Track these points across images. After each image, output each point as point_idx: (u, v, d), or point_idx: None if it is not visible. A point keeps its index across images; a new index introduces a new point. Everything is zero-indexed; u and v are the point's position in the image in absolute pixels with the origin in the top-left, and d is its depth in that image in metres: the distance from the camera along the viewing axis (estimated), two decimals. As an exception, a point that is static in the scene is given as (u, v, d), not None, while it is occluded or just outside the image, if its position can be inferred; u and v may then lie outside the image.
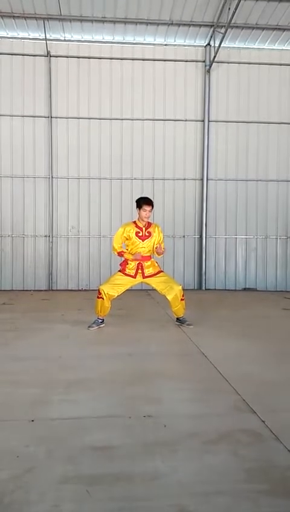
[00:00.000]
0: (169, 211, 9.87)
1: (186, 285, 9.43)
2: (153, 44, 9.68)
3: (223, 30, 8.61)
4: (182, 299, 5.17)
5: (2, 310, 6.81)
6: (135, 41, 9.59)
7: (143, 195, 5.63)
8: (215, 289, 9.95)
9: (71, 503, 1.71)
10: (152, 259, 5.27)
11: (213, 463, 2.02)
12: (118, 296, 5.12)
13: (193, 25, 9.14)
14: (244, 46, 9.79)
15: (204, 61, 9.77)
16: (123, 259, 5.27)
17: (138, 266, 5.13)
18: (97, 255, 9.80)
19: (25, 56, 9.50)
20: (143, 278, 5.16)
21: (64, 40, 9.52)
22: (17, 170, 9.63)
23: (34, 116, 9.58)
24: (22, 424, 2.44)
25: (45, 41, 9.29)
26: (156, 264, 5.30)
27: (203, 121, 9.84)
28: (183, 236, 10.00)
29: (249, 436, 2.29)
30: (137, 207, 5.16)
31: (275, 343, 4.55)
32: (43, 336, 4.78)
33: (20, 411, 2.63)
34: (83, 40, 9.52)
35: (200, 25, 9.17)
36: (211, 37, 9.45)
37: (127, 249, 5.20)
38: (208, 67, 9.68)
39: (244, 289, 10.01)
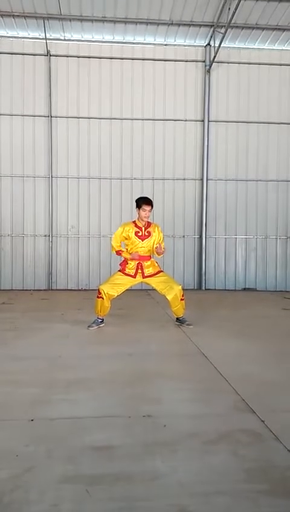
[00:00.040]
0: (169, 211, 9.87)
1: (186, 285, 9.42)
2: (153, 44, 9.68)
3: (223, 30, 8.61)
4: (181, 299, 5.17)
5: (1, 310, 6.80)
6: (135, 41, 9.59)
7: (143, 195, 5.63)
8: (215, 289, 9.95)
9: (71, 502, 1.71)
10: (152, 259, 5.27)
11: (213, 463, 2.01)
12: (117, 295, 5.12)
13: (193, 25, 9.14)
14: (244, 46, 9.79)
15: (204, 61, 9.77)
16: (123, 259, 5.28)
17: (137, 266, 5.13)
18: (97, 255, 9.80)
19: (24, 55, 9.50)
20: (143, 277, 5.16)
21: (64, 40, 9.52)
22: (17, 170, 9.62)
23: (34, 116, 9.58)
24: (22, 423, 2.44)
25: (44, 41, 9.28)
26: (156, 264, 5.30)
27: (203, 121, 9.84)
28: (183, 236, 10.00)
29: (249, 436, 2.29)
30: (137, 207, 5.16)
31: (275, 343, 4.55)
32: (43, 335, 4.78)
33: (20, 411, 2.62)
34: (83, 39, 9.52)
35: (200, 25, 9.17)
36: (211, 37, 9.45)
37: (127, 249, 5.21)
38: (208, 67, 9.68)
39: (244, 289, 10.01)
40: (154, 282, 5.17)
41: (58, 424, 2.44)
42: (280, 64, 9.93)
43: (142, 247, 5.13)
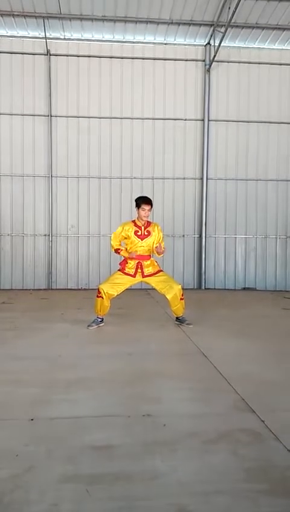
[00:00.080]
0: (169, 210, 9.87)
1: (185, 284, 9.43)
2: (153, 43, 9.67)
3: (223, 29, 8.60)
4: (181, 299, 5.17)
5: (1, 309, 6.80)
6: (135, 40, 9.58)
7: (142, 195, 5.64)
8: (214, 288, 9.95)
9: (71, 502, 1.71)
10: (152, 259, 5.27)
11: (213, 462, 2.02)
12: (117, 295, 5.12)
13: (193, 24, 9.13)
14: (245, 46, 9.78)
15: (204, 61, 9.76)
16: (123, 258, 5.28)
17: (137, 265, 5.14)
18: (97, 254, 9.80)
19: (24, 55, 9.48)
20: (143, 277, 5.16)
21: (64, 39, 9.50)
22: (17, 169, 9.61)
23: (34, 115, 9.57)
24: (22, 423, 2.44)
25: (44, 40, 9.27)
26: (156, 264, 5.31)
27: (203, 120, 9.83)
28: (183, 236, 9.99)
29: (248, 435, 2.29)
30: (136, 206, 5.16)
31: (275, 343, 4.55)
32: (43, 335, 4.78)
33: (20, 410, 2.62)
34: (82, 38, 9.51)
35: (200, 24, 9.16)
36: (211, 36, 9.44)
37: (126, 248, 5.21)
38: (208, 66, 9.67)
39: (244, 288, 10.01)
40: (154, 282, 5.17)
41: (58, 423, 2.44)
42: (280, 64, 9.92)
43: (142, 246, 5.13)
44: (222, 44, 9.05)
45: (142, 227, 5.16)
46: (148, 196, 5.40)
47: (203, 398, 2.88)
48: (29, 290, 9.51)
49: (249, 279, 10.12)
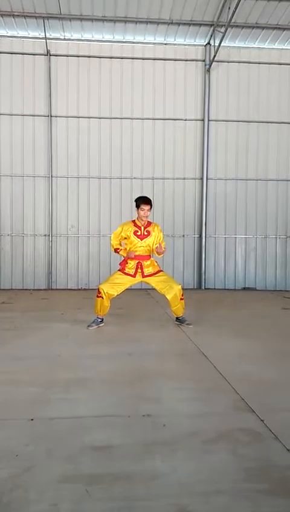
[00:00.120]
0: (169, 210, 9.87)
1: (185, 284, 9.43)
2: (153, 43, 9.67)
3: (223, 29, 8.60)
4: (181, 299, 5.17)
5: (1, 309, 6.80)
6: (135, 41, 9.58)
7: (142, 195, 5.64)
8: (214, 288, 9.95)
9: (70, 502, 1.71)
10: (152, 259, 5.27)
11: (212, 462, 2.02)
12: (117, 295, 5.12)
13: (193, 24, 9.13)
14: (244, 46, 9.78)
15: (204, 61, 9.76)
16: (123, 258, 5.29)
17: (137, 265, 5.14)
18: (97, 254, 9.80)
19: (24, 55, 9.49)
20: (142, 277, 5.16)
21: (64, 39, 9.50)
22: (17, 169, 9.62)
23: (34, 115, 9.57)
24: (22, 423, 2.44)
25: (44, 40, 9.27)
26: (156, 264, 5.31)
27: (203, 120, 9.83)
28: (183, 236, 9.99)
29: (248, 435, 2.29)
30: (136, 206, 5.17)
31: (275, 343, 4.55)
32: (43, 335, 4.78)
33: (20, 410, 2.63)
34: (82, 39, 9.51)
35: (200, 24, 9.16)
36: (211, 36, 9.44)
37: (126, 248, 5.21)
38: (208, 66, 9.67)
39: (244, 288, 10.01)
40: (154, 282, 5.17)
41: (58, 423, 2.44)
42: (280, 64, 9.92)
43: (141, 246, 5.13)
44: (222, 44, 9.05)
45: (142, 227, 5.16)
46: (148, 196, 5.40)
47: (203, 398, 2.88)
48: (29, 290, 9.51)
49: (249, 279, 10.12)
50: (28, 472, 1.92)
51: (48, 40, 9.29)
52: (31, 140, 9.59)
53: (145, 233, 5.16)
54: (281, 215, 10.13)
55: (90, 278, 9.76)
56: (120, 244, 5.27)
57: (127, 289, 5.22)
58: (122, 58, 9.65)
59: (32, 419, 2.47)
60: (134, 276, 5.13)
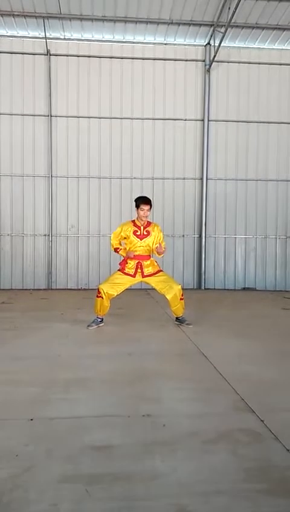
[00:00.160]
0: (169, 211, 9.87)
1: (185, 284, 9.43)
2: (153, 43, 9.67)
3: (223, 29, 8.60)
4: (181, 299, 5.17)
5: (1, 309, 6.80)
6: (135, 40, 9.58)
7: (142, 195, 5.64)
8: (214, 289, 9.95)
9: (70, 502, 1.71)
10: (151, 259, 5.27)
11: (212, 462, 2.02)
12: (117, 295, 5.12)
13: (193, 24, 9.13)
14: (244, 46, 9.78)
15: (204, 61, 9.76)
16: (123, 258, 5.29)
17: (137, 265, 5.14)
18: (96, 254, 9.79)
19: (24, 55, 9.48)
20: (142, 277, 5.16)
21: (64, 39, 9.50)
22: (17, 169, 9.61)
23: (34, 115, 9.56)
24: (21, 423, 2.44)
25: (44, 40, 9.27)
26: (156, 264, 5.31)
27: (203, 120, 9.83)
28: (183, 236, 10.00)
29: (248, 435, 2.29)
30: (135, 206, 5.17)
31: (275, 343, 4.55)
32: (43, 335, 4.78)
33: (20, 410, 2.62)
34: (82, 38, 9.51)
35: (200, 24, 9.16)
36: (211, 36, 9.44)
37: (126, 248, 5.21)
38: (208, 66, 9.67)
39: (244, 289, 10.01)
40: (154, 282, 5.17)
41: (58, 423, 2.44)
42: (280, 64, 9.92)
43: (141, 246, 5.13)
44: (222, 45, 9.05)
45: (142, 227, 5.16)
46: (148, 196, 5.40)
47: (203, 398, 2.88)
48: (29, 290, 9.51)
49: (249, 279, 10.12)
50: (28, 472, 1.92)
51: (48, 40, 9.29)
52: (31, 140, 9.59)
53: (145, 233, 5.16)
54: (281, 215, 10.13)
55: (90, 278, 9.76)
56: (120, 244, 5.27)
57: (127, 289, 5.22)
58: (122, 58, 9.65)
59: (32, 419, 2.47)
60: (134, 276, 5.13)
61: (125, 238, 5.18)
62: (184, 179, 9.93)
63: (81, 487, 1.80)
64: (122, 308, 6.33)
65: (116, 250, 5.26)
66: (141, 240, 5.13)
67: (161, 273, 5.26)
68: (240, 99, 9.91)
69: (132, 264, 5.15)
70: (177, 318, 5.32)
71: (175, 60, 9.77)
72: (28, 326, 5.22)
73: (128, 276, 5.13)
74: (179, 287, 5.15)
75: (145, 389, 3.03)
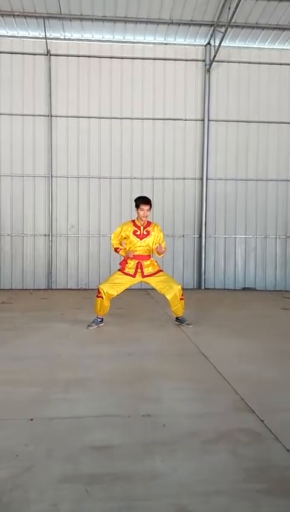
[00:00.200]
0: (169, 211, 9.87)
1: (185, 284, 9.43)
2: (153, 43, 9.67)
3: (223, 29, 8.60)
4: (181, 299, 5.17)
5: (1, 309, 6.80)
6: (135, 40, 9.58)
7: (142, 195, 5.64)
8: (214, 288, 9.95)
9: (70, 502, 1.71)
10: (151, 259, 5.27)
11: (212, 462, 2.02)
12: (117, 295, 5.12)
13: (193, 24, 9.13)
14: (245, 46, 9.78)
15: (204, 61, 9.76)
16: (123, 258, 5.29)
17: (137, 265, 5.14)
18: (97, 254, 9.79)
19: (24, 55, 9.48)
20: (142, 277, 5.16)
21: (64, 39, 9.50)
22: (17, 169, 9.61)
23: (34, 115, 9.57)
24: (21, 423, 2.44)
25: (44, 40, 9.27)
26: (156, 264, 5.31)
27: (203, 120, 9.83)
28: (183, 236, 10.00)
29: (248, 435, 2.29)
30: (135, 206, 5.17)
31: (275, 343, 4.55)
32: (43, 335, 4.78)
33: (19, 410, 2.62)
34: (83, 38, 9.51)
35: (200, 24, 9.16)
36: (211, 36, 9.44)
37: (126, 248, 5.21)
38: (208, 66, 9.67)
39: (244, 288, 10.01)
40: (154, 282, 5.17)
41: (58, 423, 2.44)
42: (280, 64, 9.92)
43: (141, 246, 5.13)
44: (222, 44, 9.05)
45: (141, 227, 5.16)
46: (148, 196, 5.40)
47: (203, 398, 2.88)
48: (29, 290, 9.51)
49: (249, 279, 10.12)
50: (28, 472, 1.92)
51: (48, 40, 9.29)
52: (31, 140, 9.59)
53: (145, 233, 5.16)
54: (281, 215, 10.13)
55: (90, 278, 9.76)
56: (120, 244, 5.27)
57: (127, 289, 5.22)
58: (122, 58, 9.65)
59: (32, 419, 2.47)
60: (134, 276, 5.13)
61: (125, 238, 5.18)
62: (184, 179, 9.93)
63: (81, 487, 1.80)
64: (122, 308, 6.33)
65: (116, 250, 5.28)
66: (140, 239, 5.13)
67: (161, 273, 5.26)
68: (240, 99, 9.91)
69: (132, 264, 5.15)
70: (177, 318, 5.32)
71: (175, 60, 9.77)
72: (28, 326, 5.22)
73: (128, 276, 5.13)
74: (179, 287, 5.15)
75: (145, 389, 3.03)
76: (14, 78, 9.48)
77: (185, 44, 9.75)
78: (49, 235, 9.69)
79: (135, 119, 9.76)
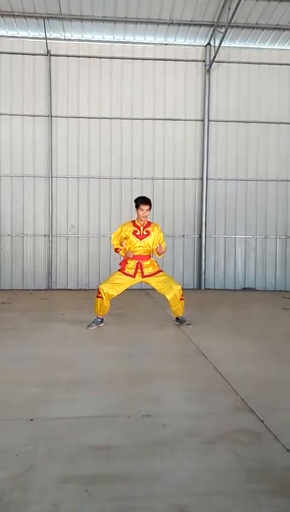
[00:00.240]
0: (169, 211, 9.88)
1: (185, 284, 9.43)
2: (154, 43, 9.67)
3: (223, 30, 8.61)
4: (181, 299, 5.17)
5: (1, 309, 6.80)
6: (135, 41, 9.59)
7: (142, 195, 5.64)
8: (214, 289, 9.95)
9: (70, 502, 1.71)
10: (151, 259, 5.27)
11: (212, 463, 2.02)
12: (117, 295, 5.12)
13: (193, 24, 9.13)
14: (245, 46, 9.79)
15: (204, 61, 9.76)
16: (123, 258, 5.30)
17: (137, 265, 5.14)
18: (96, 254, 9.80)
19: (25, 55, 9.49)
20: (142, 277, 5.17)
21: (65, 39, 9.51)
22: (17, 169, 9.62)
23: (34, 116, 9.57)
24: (21, 423, 2.44)
25: (45, 41, 9.28)
26: (156, 264, 5.31)
27: (203, 120, 9.84)
28: (183, 236, 10.00)
29: (248, 435, 2.29)
30: (135, 206, 5.18)
31: (275, 343, 4.55)
32: (42, 335, 4.78)
33: (19, 410, 2.62)
34: (83, 39, 9.51)
35: (200, 25, 9.17)
36: (211, 36, 9.45)
37: (126, 248, 5.22)
38: (208, 66, 9.67)
39: (244, 289, 10.01)
40: (154, 282, 5.17)
41: (58, 423, 2.44)
42: (280, 64, 9.93)
43: (140, 246, 5.13)
44: (222, 45, 9.06)
45: (141, 227, 5.17)
46: (148, 196, 5.41)
47: (203, 398, 2.88)
48: (29, 290, 9.51)
49: (249, 280, 10.12)
50: (28, 472, 1.92)
51: (48, 40, 9.30)
52: (31, 140, 9.60)
53: (145, 233, 5.16)
54: (281, 215, 10.13)
55: (90, 278, 9.76)
56: (121, 244, 5.27)
57: (127, 289, 5.22)
58: (122, 58, 9.66)
59: (32, 420, 2.47)
60: (134, 276, 5.13)
61: (125, 238, 5.19)
62: (184, 179, 9.93)
63: (82, 487, 1.80)
64: (122, 308, 6.33)
65: (116, 250, 5.28)
66: (140, 240, 5.13)
67: (161, 273, 5.26)
68: (240, 100, 9.91)
69: (131, 264, 5.15)
70: (177, 318, 5.33)
71: (175, 60, 9.77)
72: (28, 326, 5.22)
73: (128, 277, 5.13)
74: (179, 287, 5.15)
75: (145, 389, 3.03)
76: (14, 79, 9.49)
77: (185, 45, 9.75)
78: (49, 236, 9.70)
79: (135, 119, 9.76)
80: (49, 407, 2.68)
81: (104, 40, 9.53)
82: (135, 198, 5.34)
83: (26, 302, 7.61)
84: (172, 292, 5.07)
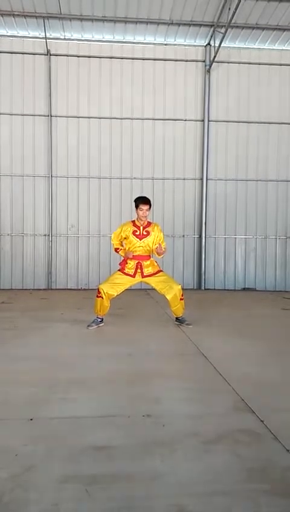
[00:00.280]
0: (169, 211, 9.88)
1: (185, 284, 9.43)
2: (153, 43, 9.67)
3: (223, 30, 8.61)
4: (181, 299, 5.17)
5: (1, 309, 6.80)
6: (135, 41, 9.59)
7: (142, 195, 5.64)
8: (214, 289, 9.96)
9: (70, 502, 1.71)
10: (151, 259, 5.27)
11: (212, 463, 2.02)
12: (117, 295, 5.12)
13: (193, 24, 9.14)
14: (245, 46, 9.79)
15: (204, 61, 9.77)
16: (123, 258, 5.30)
17: (137, 265, 5.14)
18: (96, 254, 9.80)
19: (24, 55, 9.49)
20: (142, 277, 5.17)
21: (64, 39, 9.51)
22: (17, 169, 9.62)
23: (34, 115, 9.57)
24: (21, 423, 2.44)
25: (44, 40, 9.28)
26: (156, 264, 5.31)
27: (203, 120, 9.84)
28: (183, 236, 10.00)
29: (248, 436, 2.29)
30: (135, 206, 5.18)
31: (274, 343, 4.55)
32: (42, 335, 4.78)
33: (19, 410, 2.62)
34: (83, 39, 9.51)
35: (200, 25, 9.17)
36: (211, 36, 9.45)
37: (126, 248, 5.22)
38: (208, 67, 9.68)
39: (244, 289, 10.02)
40: (154, 282, 5.17)
41: (58, 423, 2.44)
42: (280, 64, 9.93)
43: (140, 246, 5.13)
44: (222, 45, 9.06)
45: (141, 227, 5.17)
46: (148, 196, 5.41)
47: (203, 398, 2.88)
48: (29, 290, 9.51)
49: (249, 280, 10.12)
50: (28, 472, 1.92)
51: (48, 40, 9.30)
52: (31, 140, 9.59)
53: (144, 233, 5.16)
54: (281, 215, 10.13)
55: (90, 278, 9.76)
56: (121, 244, 5.27)
57: (127, 289, 5.22)
58: (122, 58, 9.66)
59: (31, 419, 2.47)
60: (134, 276, 5.13)
61: (125, 238, 5.19)
62: (184, 179, 9.93)
63: (82, 487, 1.80)
64: (122, 308, 6.33)
65: (116, 250, 5.29)
66: (140, 240, 5.13)
67: (160, 273, 5.26)
68: (240, 100, 9.91)
69: (131, 264, 5.15)
70: (177, 318, 5.33)
71: (175, 60, 9.77)
72: (28, 326, 5.22)
73: (128, 277, 5.13)
74: (179, 287, 5.15)
75: (145, 389, 3.03)
76: (14, 78, 9.49)
77: (185, 45, 9.76)
78: (49, 235, 9.70)
79: (135, 119, 9.76)
80: (49, 407, 2.68)
81: (104, 40, 9.53)
82: (135, 198, 5.34)
83: (26, 301, 7.61)
84: (172, 292, 5.08)
